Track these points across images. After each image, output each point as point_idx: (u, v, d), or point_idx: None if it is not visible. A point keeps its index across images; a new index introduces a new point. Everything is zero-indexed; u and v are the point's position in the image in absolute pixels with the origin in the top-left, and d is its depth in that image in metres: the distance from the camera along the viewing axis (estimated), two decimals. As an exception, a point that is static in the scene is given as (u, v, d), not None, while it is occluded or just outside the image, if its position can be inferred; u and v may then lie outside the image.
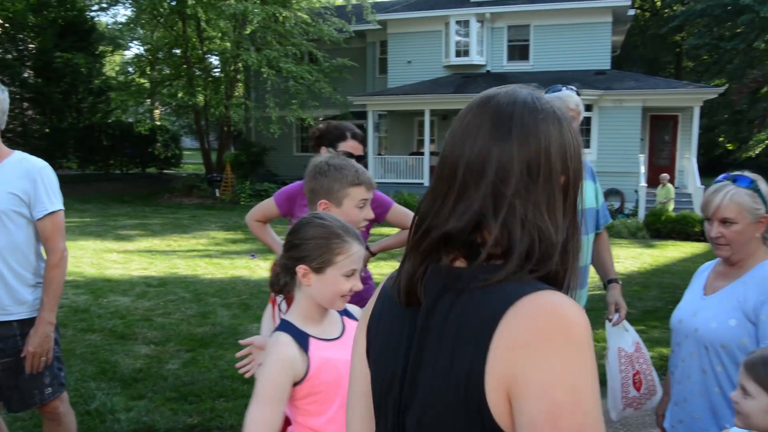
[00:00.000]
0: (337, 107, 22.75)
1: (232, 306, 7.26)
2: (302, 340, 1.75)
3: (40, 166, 2.70)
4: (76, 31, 25.94)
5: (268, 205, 3.01)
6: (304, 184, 2.32)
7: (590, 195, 3.10)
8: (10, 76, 24.22)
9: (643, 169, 17.57)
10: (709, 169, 23.37)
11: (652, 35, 32.84)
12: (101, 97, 26.16)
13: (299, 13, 21.24)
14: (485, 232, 0.93)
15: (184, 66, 22.00)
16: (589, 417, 0.80)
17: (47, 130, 26.99)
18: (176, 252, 11.17)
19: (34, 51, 26.11)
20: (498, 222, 0.91)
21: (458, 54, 22.05)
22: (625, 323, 3.00)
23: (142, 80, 23.87)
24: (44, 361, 2.71)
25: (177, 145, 29.24)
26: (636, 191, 17.13)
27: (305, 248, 1.76)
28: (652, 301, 7.98)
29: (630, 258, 11.64)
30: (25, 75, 26.40)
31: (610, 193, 17.34)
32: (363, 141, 2.98)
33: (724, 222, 2.06)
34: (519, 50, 22.12)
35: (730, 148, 29.79)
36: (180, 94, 22.25)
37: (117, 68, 28.91)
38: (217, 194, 21.23)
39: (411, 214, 3.03)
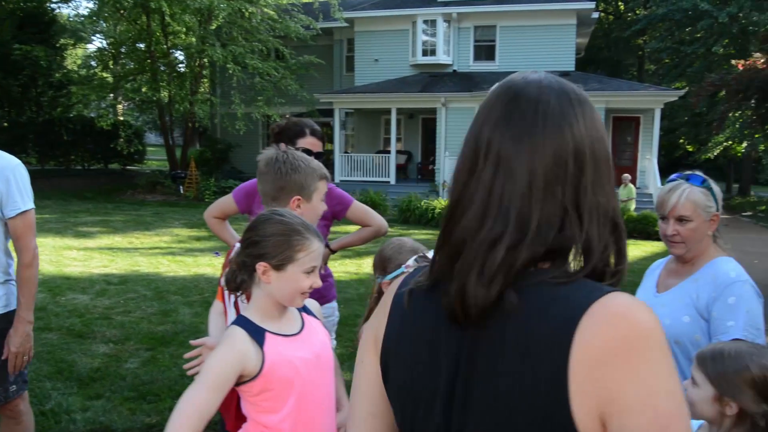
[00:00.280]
0: (304, 105, 22.65)
1: (194, 304, 7.17)
2: (258, 335, 1.73)
3: (14, 164, 2.65)
4: (35, 23, 25.28)
5: (226, 202, 2.99)
6: (269, 181, 2.22)
7: None
8: (-34, 68, 23.55)
9: (605, 170, 17.81)
10: (670, 170, 23.65)
11: (615, 38, 33.41)
12: (62, 91, 25.55)
13: (266, 9, 21.09)
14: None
15: (148, 61, 21.65)
16: (688, 418, 0.79)
17: (5, 123, 26.27)
18: (138, 249, 10.99)
19: (-9, 43, 25.41)
20: (583, 223, 0.87)
21: (425, 53, 22.15)
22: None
23: (105, 74, 23.41)
24: (26, 360, 2.71)
25: (140, 141, 28.72)
26: (598, 191, 17.36)
27: (265, 245, 1.74)
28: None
29: (592, 257, 11.77)
30: (-18, 67, 25.67)
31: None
32: (322, 138, 2.97)
33: (680, 220, 2.10)
34: (485, 50, 22.32)
35: (690, 149, 30.47)
36: (144, 89, 21.87)
37: (79, 62, 28.18)
38: (182, 191, 20.97)
39: (371, 211, 3.03)
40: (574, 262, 0.89)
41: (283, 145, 2.24)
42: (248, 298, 1.85)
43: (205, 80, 25.18)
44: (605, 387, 0.77)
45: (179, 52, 23.60)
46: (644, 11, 30.22)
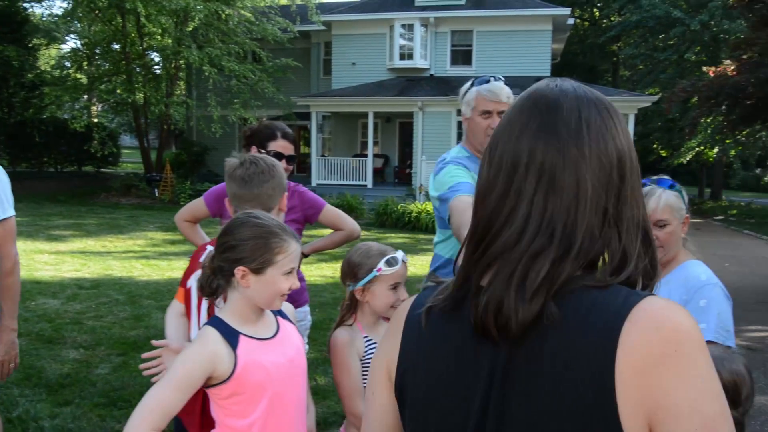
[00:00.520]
0: (281, 107, 22.56)
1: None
2: (232, 338, 1.71)
3: None
4: (7, 23, 24.80)
5: (197, 205, 2.95)
6: (256, 186, 2.12)
7: None
8: (-65, 68, 23.06)
9: (580, 174, 18.00)
10: (644, 175, 24.09)
11: (590, 44, 33.80)
12: (34, 92, 25.10)
13: (243, 12, 20.98)
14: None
15: (123, 62, 21.38)
16: (731, 419, 0.79)
17: (-25, 125, 25.82)
18: (111, 253, 10.84)
19: (-40, 42, 24.92)
20: (621, 233, 0.87)
21: (402, 57, 22.22)
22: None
23: (79, 75, 23.06)
24: (12, 368, 2.68)
25: (115, 143, 28.40)
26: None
27: (243, 249, 1.71)
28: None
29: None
30: (-48, 67, 25.16)
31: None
32: (294, 141, 2.94)
33: (658, 224, 2.11)
34: (462, 55, 22.45)
35: (664, 154, 30.88)
36: (119, 91, 21.62)
37: (52, 62, 27.75)
38: (157, 194, 20.72)
39: (343, 214, 3.02)
40: (602, 266, 0.88)
41: (254, 149, 2.21)
42: (225, 300, 1.81)
43: (181, 82, 24.99)
44: (652, 394, 0.77)
45: (155, 53, 23.37)
46: (619, 18, 30.61)
